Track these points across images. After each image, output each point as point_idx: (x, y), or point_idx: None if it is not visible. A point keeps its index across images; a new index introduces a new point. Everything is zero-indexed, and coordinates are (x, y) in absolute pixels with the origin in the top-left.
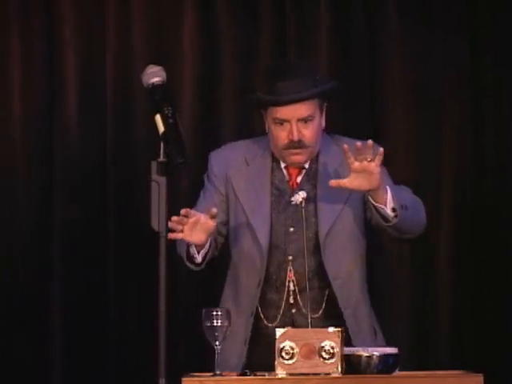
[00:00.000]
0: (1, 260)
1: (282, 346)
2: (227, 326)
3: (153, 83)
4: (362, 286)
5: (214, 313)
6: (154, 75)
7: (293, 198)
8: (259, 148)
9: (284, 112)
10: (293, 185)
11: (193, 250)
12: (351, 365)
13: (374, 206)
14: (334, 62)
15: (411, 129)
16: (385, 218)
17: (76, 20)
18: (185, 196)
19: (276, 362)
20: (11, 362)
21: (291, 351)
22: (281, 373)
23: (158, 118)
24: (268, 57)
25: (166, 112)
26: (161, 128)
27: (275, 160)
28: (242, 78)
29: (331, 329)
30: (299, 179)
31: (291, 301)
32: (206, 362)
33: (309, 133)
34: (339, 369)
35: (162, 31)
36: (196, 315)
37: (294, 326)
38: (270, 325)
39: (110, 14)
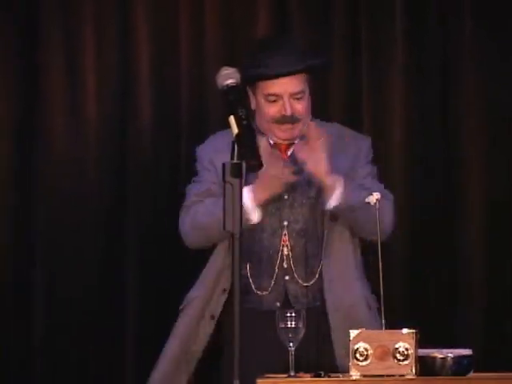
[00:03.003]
0: (73, 262)
1: (356, 347)
2: (301, 327)
3: (227, 85)
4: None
5: (288, 314)
6: (228, 77)
7: (367, 199)
8: None
9: (276, 87)
10: (283, 159)
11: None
12: (425, 366)
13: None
14: (407, 67)
15: (484, 140)
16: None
17: (150, 21)
18: None
19: (350, 364)
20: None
21: (365, 352)
22: (355, 374)
23: (231, 119)
24: (341, 58)
25: (240, 114)
26: (235, 129)
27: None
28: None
29: (405, 330)
30: (288, 153)
31: (284, 265)
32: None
33: (301, 107)
34: (413, 370)
35: (235, 32)
36: None
37: (286, 294)
38: (262, 293)
39: (184, 15)
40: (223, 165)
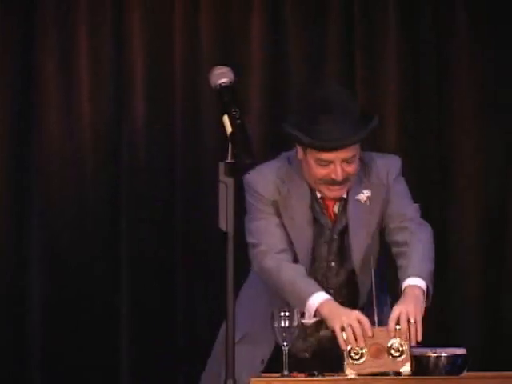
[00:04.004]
0: (70, 258)
1: (350, 346)
2: (296, 326)
3: (220, 84)
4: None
5: (283, 313)
6: (222, 76)
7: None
8: (294, 173)
9: (329, 155)
10: (330, 216)
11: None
12: (419, 366)
13: None
14: (402, 67)
15: (478, 133)
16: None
17: (144, 22)
18: None
19: (345, 363)
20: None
21: (360, 351)
22: (350, 373)
23: (225, 118)
24: (336, 59)
25: (234, 113)
26: (228, 129)
27: (311, 189)
28: (309, 80)
29: (399, 326)
30: (336, 209)
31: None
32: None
33: (352, 169)
34: (409, 366)
35: (230, 33)
36: None
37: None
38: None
39: (178, 15)
40: (219, 164)
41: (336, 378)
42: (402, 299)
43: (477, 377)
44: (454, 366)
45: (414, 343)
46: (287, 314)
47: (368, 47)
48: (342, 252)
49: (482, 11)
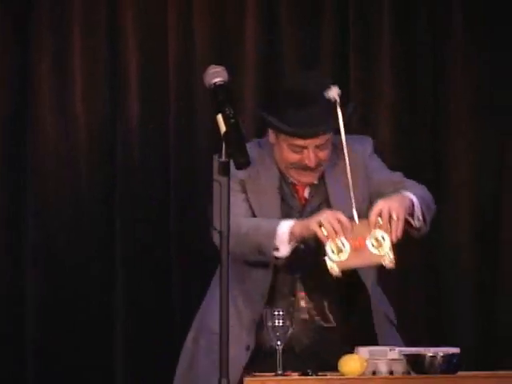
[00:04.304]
0: (66, 258)
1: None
2: (289, 326)
3: (215, 83)
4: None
5: (276, 313)
6: (216, 75)
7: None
8: (265, 156)
9: (302, 141)
10: (300, 200)
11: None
12: (415, 365)
13: (408, 221)
14: (396, 67)
15: (473, 135)
16: (414, 227)
17: (138, 22)
18: None
19: (327, 258)
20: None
21: (343, 248)
22: (333, 269)
23: (219, 117)
24: (330, 60)
25: (228, 112)
26: (222, 128)
27: (281, 173)
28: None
29: (380, 219)
30: (306, 193)
31: (302, 304)
32: None
33: (324, 155)
34: (391, 256)
35: (224, 33)
36: None
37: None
38: None
39: (172, 15)
40: (213, 163)
41: (329, 377)
42: (387, 197)
43: (471, 376)
44: (450, 364)
45: (394, 239)
46: (281, 313)
47: (363, 49)
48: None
49: (478, 13)
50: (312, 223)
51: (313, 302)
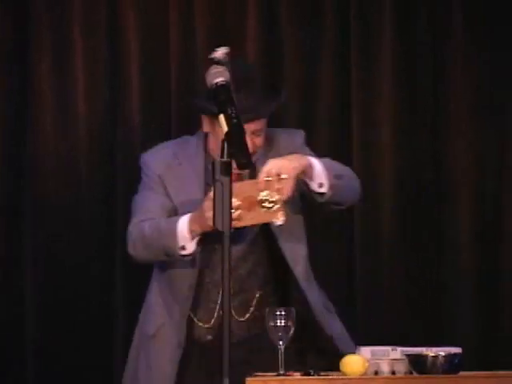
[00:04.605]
0: (66, 258)
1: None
2: (291, 325)
3: (216, 83)
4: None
5: (278, 312)
6: (218, 75)
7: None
8: (191, 147)
9: None
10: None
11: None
12: (417, 365)
13: (306, 183)
14: (397, 68)
15: (473, 135)
16: (317, 193)
17: (139, 21)
18: None
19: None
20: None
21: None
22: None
23: (221, 117)
24: (330, 60)
25: (230, 112)
26: (224, 128)
27: (209, 159)
28: (305, 81)
29: (267, 178)
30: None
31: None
32: None
33: (259, 140)
34: (282, 216)
35: (225, 33)
36: None
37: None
38: (204, 326)
39: (173, 15)
40: (213, 163)
41: (331, 377)
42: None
43: (472, 376)
44: (452, 364)
45: (284, 197)
46: (283, 312)
47: (363, 48)
48: None
49: (478, 13)
50: (205, 205)
51: (242, 293)
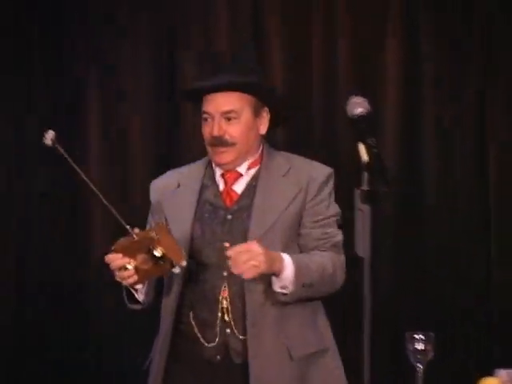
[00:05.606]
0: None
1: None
2: (430, 350)
3: (357, 114)
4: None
5: (417, 336)
6: (358, 106)
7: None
8: (198, 166)
9: (208, 103)
10: (227, 192)
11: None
12: None
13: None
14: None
15: None
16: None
17: (283, 50)
18: (390, 219)
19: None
20: None
21: (130, 267)
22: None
23: (361, 147)
24: (474, 82)
25: (370, 142)
26: (364, 157)
27: (208, 174)
28: (441, 104)
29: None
30: (236, 187)
31: (226, 319)
32: None
33: (233, 130)
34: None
35: (366, 54)
36: None
37: (227, 348)
38: (208, 345)
39: (316, 33)
40: (355, 191)
41: None
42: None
43: None
44: None
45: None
46: (422, 337)
47: None
48: (240, 234)
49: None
50: None
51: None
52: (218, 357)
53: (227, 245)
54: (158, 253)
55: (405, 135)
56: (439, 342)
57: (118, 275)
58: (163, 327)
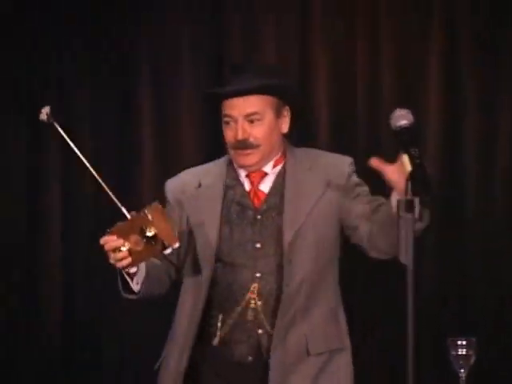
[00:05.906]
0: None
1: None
2: (472, 355)
3: (400, 126)
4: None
5: (459, 342)
6: (402, 118)
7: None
8: (217, 166)
9: (230, 108)
10: (255, 192)
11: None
12: None
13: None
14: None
15: None
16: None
17: (329, 70)
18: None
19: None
20: None
21: (124, 249)
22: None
23: (405, 158)
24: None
25: (413, 153)
26: (408, 167)
27: (231, 174)
28: (485, 127)
29: (134, 213)
30: (262, 187)
31: (257, 318)
32: None
33: (257, 132)
34: (175, 243)
35: (409, 75)
36: None
37: (259, 348)
38: (239, 346)
39: (360, 61)
40: (398, 201)
41: None
42: None
43: None
44: None
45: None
46: (464, 342)
47: None
48: (272, 233)
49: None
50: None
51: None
52: (250, 357)
53: (258, 246)
54: (149, 232)
55: (446, 141)
56: (480, 346)
57: (112, 257)
58: (181, 328)
